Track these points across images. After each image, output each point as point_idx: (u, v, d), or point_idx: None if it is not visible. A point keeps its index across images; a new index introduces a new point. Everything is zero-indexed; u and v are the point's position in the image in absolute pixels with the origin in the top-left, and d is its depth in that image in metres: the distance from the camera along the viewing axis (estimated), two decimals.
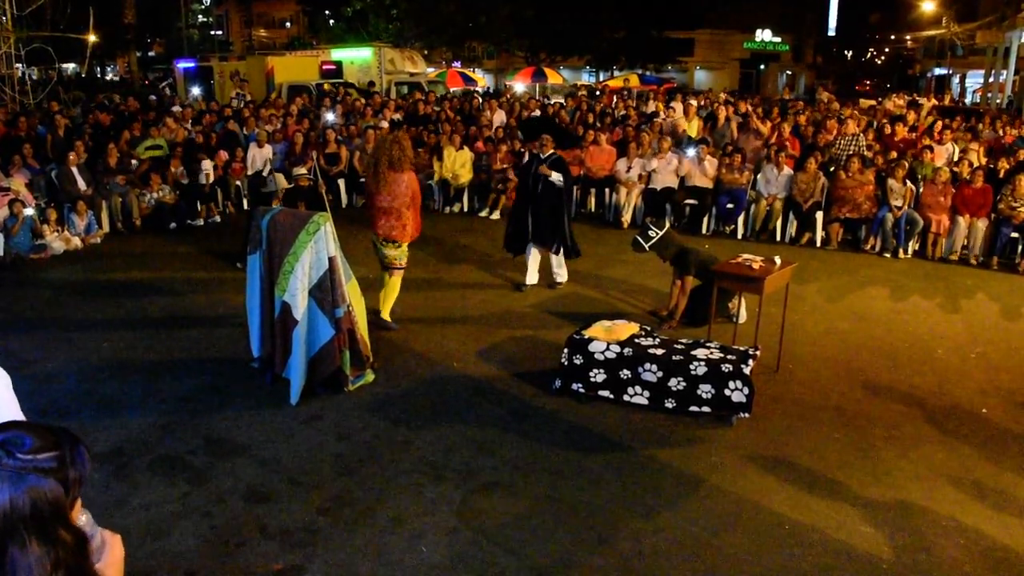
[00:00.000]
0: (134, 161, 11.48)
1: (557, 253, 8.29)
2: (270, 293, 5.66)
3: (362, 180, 12.52)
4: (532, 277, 8.42)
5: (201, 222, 11.41)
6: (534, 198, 8.10)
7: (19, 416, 2.40)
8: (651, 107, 17.34)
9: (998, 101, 27.86)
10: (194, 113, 14.47)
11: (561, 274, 8.46)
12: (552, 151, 8.16)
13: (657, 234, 7.34)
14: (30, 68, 24.81)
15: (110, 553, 1.58)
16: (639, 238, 7.44)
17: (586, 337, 5.75)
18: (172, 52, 38.69)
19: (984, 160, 11.64)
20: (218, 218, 11.60)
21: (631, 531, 4.20)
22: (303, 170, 11.82)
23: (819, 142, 12.28)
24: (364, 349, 5.89)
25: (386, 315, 7.18)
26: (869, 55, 63.69)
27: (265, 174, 12.32)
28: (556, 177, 7.97)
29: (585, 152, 12.33)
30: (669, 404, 5.46)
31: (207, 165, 11.67)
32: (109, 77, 44.37)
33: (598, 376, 5.62)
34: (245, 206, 11.87)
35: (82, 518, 1.53)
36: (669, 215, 11.48)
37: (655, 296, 8.08)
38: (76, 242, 10.02)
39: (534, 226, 8.15)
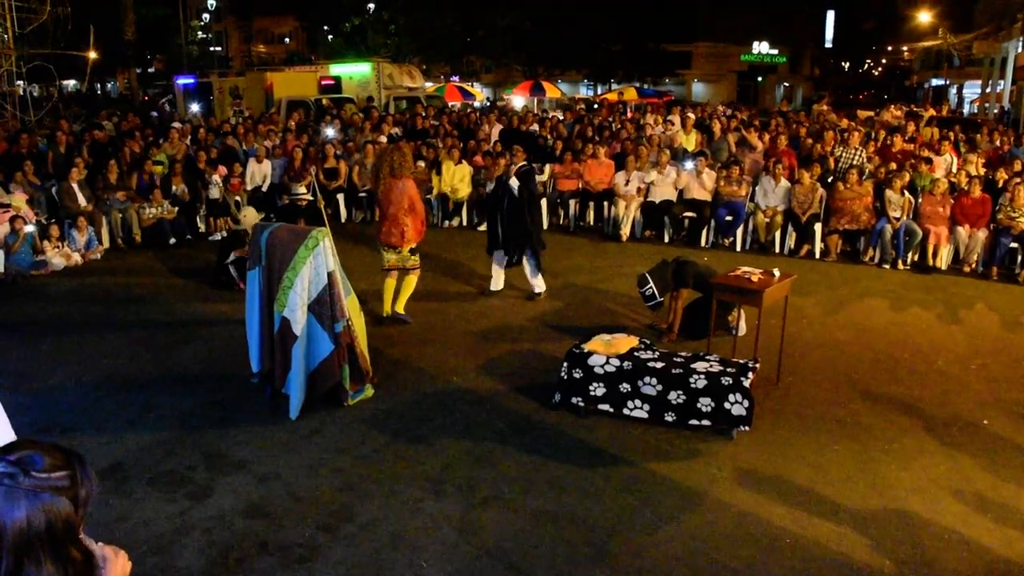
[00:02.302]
0: (147, 176, 11.47)
1: (517, 263, 8.41)
2: (269, 308, 5.66)
3: (362, 195, 12.67)
4: (497, 283, 8.70)
5: (219, 236, 11.45)
6: (501, 208, 8.26)
7: (9, 433, 2.40)
8: (648, 119, 17.40)
9: (995, 111, 27.96)
10: (191, 129, 14.51)
11: (538, 284, 8.53)
12: (523, 162, 8.33)
13: (651, 286, 7.25)
14: (31, 85, 24.90)
15: (111, 569, 1.59)
16: (648, 304, 7.39)
17: (585, 351, 5.75)
18: (172, 68, 38.85)
19: (983, 171, 11.66)
20: (226, 232, 11.58)
21: (631, 545, 4.19)
22: (302, 188, 11.87)
23: (815, 153, 12.31)
24: (364, 364, 5.89)
25: (400, 308, 7.64)
26: (866, 66, 63.97)
27: (264, 189, 12.38)
28: (513, 183, 8.11)
29: (583, 166, 12.37)
30: (669, 417, 5.45)
31: (217, 179, 11.71)
32: (105, 90, 44.57)
33: (598, 390, 5.61)
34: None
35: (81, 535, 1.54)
36: (668, 228, 11.52)
37: None
38: (76, 258, 10.04)
39: (503, 235, 8.33)
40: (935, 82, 45.66)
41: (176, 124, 15.20)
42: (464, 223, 12.58)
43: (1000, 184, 10.66)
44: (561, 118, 18.09)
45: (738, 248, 11.11)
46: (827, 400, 6.09)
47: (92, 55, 19.53)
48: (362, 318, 5.98)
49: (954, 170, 11.72)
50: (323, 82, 22.65)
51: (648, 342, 6.12)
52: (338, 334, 5.55)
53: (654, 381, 5.46)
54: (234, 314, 7.48)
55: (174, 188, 11.62)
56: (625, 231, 11.56)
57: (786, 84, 56.20)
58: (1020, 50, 27.19)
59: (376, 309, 7.88)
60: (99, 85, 43.28)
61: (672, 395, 5.42)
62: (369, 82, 22.82)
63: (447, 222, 12.63)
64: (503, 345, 7.18)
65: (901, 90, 52.08)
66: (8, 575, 1.44)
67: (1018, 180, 10.07)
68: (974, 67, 36.47)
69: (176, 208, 11.38)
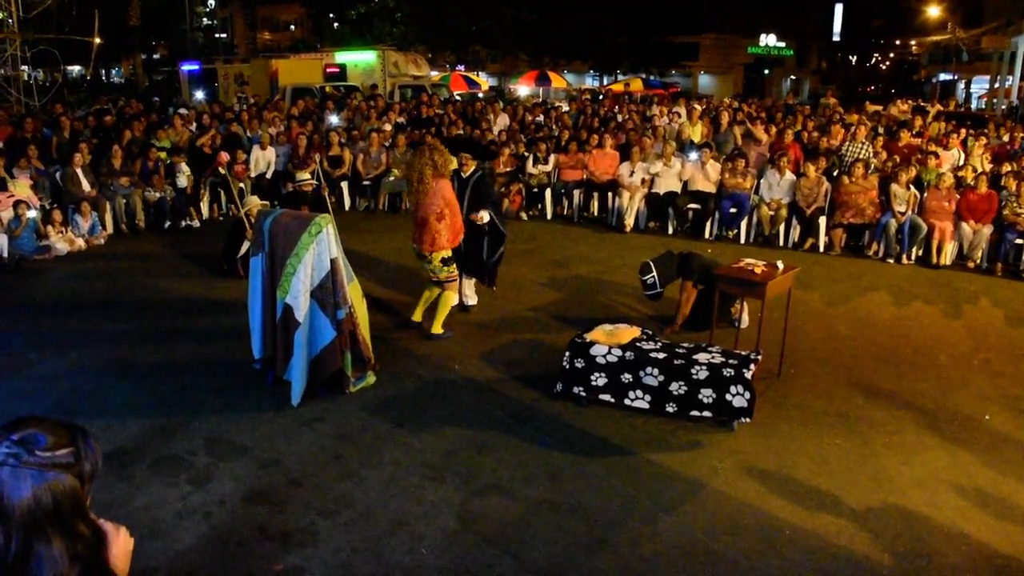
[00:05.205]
0: (151, 162, 11.46)
1: (485, 281, 7.87)
2: (271, 295, 5.66)
3: (365, 183, 12.66)
4: (472, 299, 7.93)
5: (197, 223, 11.46)
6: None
7: None
8: (655, 110, 17.36)
9: (1004, 107, 27.81)
10: (195, 115, 14.50)
11: (472, 296, 7.91)
12: (474, 168, 7.53)
13: (653, 276, 7.21)
14: (36, 70, 24.91)
15: (115, 544, 1.60)
16: (647, 293, 7.36)
17: (588, 341, 5.75)
18: (176, 55, 38.83)
19: (989, 166, 11.61)
20: (196, 222, 11.56)
21: (631, 535, 4.20)
22: (306, 175, 11.83)
23: (821, 147, 12.26)
24: (366, 351, 5.90)
25: (436, 328, 7.00)
26: (874, 60, 63.71)
27: (268, 176, 12.36)
28: (483, 218, 7.34)
29: (588, 156, 12.35)
30: (670, 408, 5.45)
31: (184, 168, 11.63)
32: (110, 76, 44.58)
33: (599, 380, 5.61)
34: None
35: None
36: (672, 219, 11.50)
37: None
38: (80, 243, 10.04)
39: (466, 256, 7.54)
40: (943, 77, 45.44)
41: (182, 110, 15.20)
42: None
43: (1009, 180, 10.56)
44: (566, 108, 18.04)
45: (742, 240, 11.08)
46: (829, 393, 6.09)
47: (97, 41, 19.51)
48: (364, 305, 5.98)
49: (960, 163, 11.68)
50: (328, 70, 22.63)
51: (650, 332, 6.11)
52: (340, 321, 5.54)
53: (656, 372, 5.46)
54: (236, 300, 7.47)
55: (178, 174, 11.60)
56: (629, 222, 11.54)
57: (793, 77, 55.98)
58: None
59: (395, 305, 7.89)
60: (104, 71, 43.26)
61: (674, 386, 5.41)
62: (374, 70, 22.79)
63: None
64: (505, 334, 7.18)
65: (908, 85, 51.84)
66: (18, 554, 1.45)
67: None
68: (983, 62, 36.30)
69: (175, 193, 11.37)
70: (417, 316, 7.19)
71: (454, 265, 6.99)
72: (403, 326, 7.24)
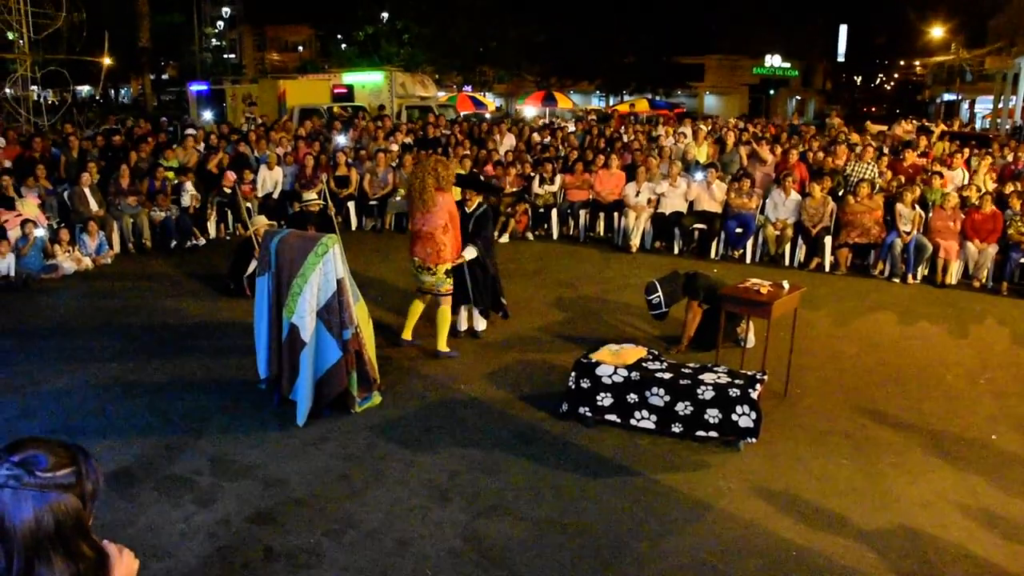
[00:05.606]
0: (158, 181, 11.55)
1: (485, 315, 7.74)
2: (278, 315, 5.68)
3: (372, 203, 12.72)
4: (481, 323, 7.78)
5: (203, 242, 11.51)
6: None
7: None
8: (660, 130, 17.43)
9: (1007, 127, 27.84)
10: (204, 135, 14.61)
11: (481, 322, 7.77)
12: (478, 203, 7.35)
13: (659, 296, 7.22)
14: (45, 90, 25.15)
15: (118, 566, 1.59)
16: (652, 313, 7.37)
17: (593, 361, 5.75)
18: (185, 75, 39.22)
19: (994, 186, 11.62)
20: (202, 241, 11.58)
21: (637, 556, 4.18)
22: (312, 195, 11.91)
23: (826, 167, 12.29)
24: (371, 371, 5.90)
25: (442, 346, 7.02)
26: (878, 80, 63.85)
27: (275, 196, 12.43)
28: (469, 254, 7.10)
29: (595, 177, 12.40)
30: (676, 428, 5.44)
31: (189, 187, 11.71)
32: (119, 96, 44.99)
33: (605, 400, 5.61)
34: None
35: None
36: (677, 239, 11.52)
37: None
38: (87, 262, 10.10)
39: (472, 288, 7.38)
40: (947, 97, 45.56)
41: (190, 131, 15.31)
42: None
43: (1013, 200, 10.57)
44: (572, 129, 18.12)
45: (748, 260, 11.10)
46: (835, 413, 6.07)
47: (107, 61, 19.71)
48: (371, 325, 5.99)
49: (965, 182, 11.69)
50: (336, 90, 22.79)
51: (656, 352, 6.11)
52: (346, 341, 5.56)
53: (662, 392, 5.46)
54: (242, 320, 7.51)
55: (182, 193, 11.68)
56: (635, 242, 11.56)
57: (798, 98, 56.16)
58: None
59: (387, 321, 7.91)
60: (113, 91, 43.66)
61: (679, 406, 5.41)
62: (382, 91, 22.95)
63: None
64: (510, 354, 7.18)
65: (913, 105, 51.92)
66: (20, 575, 1.45)
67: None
68: (986, 82, 36.39)
69: (179, 212, 11.45)
70: (407, 334, 7.22)
71: (452, 278, 6.98)
72: (409, 345, 7.25)
